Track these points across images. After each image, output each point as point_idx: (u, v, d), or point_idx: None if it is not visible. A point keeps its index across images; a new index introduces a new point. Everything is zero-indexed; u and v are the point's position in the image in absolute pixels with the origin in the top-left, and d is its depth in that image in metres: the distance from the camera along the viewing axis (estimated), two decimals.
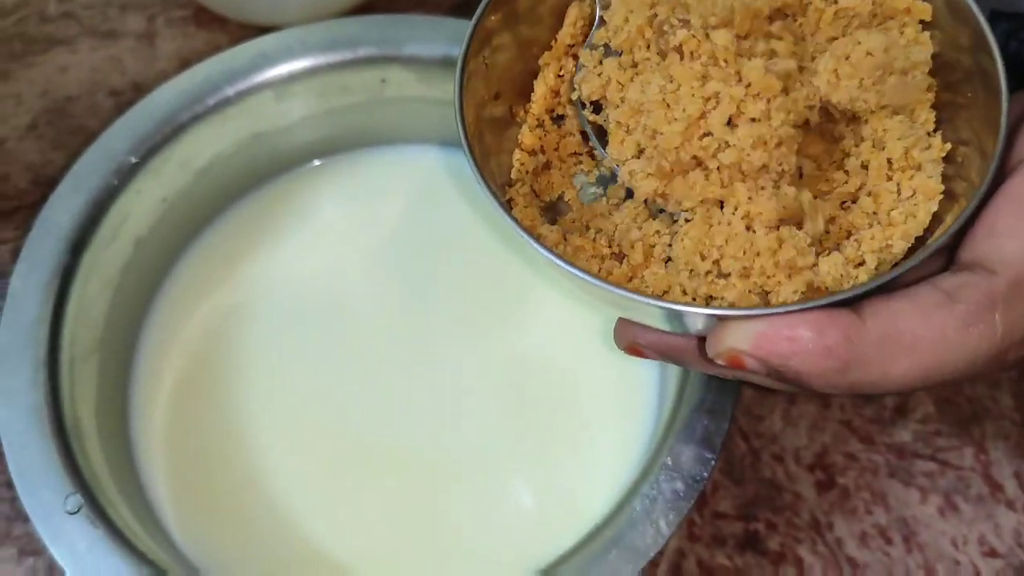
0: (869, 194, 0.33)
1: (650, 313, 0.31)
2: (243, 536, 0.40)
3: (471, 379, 0.43)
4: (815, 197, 0.32)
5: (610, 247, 0.35)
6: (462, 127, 0.33)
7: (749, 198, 0.31)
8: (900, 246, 0.31)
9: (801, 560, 0.43)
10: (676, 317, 0.30)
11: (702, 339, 0.31)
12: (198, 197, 0.44)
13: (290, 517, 0.40)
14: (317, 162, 0.47)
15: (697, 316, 0.29)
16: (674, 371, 0.39)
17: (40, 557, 0.43)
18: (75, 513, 0.34)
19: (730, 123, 0.30)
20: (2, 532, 0.43)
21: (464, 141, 0.32)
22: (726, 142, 0.30)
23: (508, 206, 0.35)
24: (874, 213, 0.33)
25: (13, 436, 0.35)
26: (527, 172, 0.37)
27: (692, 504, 0.34)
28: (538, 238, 0.32)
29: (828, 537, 0.44)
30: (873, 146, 0.33)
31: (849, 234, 0.33)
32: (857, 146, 0.34)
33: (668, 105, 0.31)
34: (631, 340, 0.33)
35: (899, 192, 0.33)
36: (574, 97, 0.36)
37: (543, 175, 0.37)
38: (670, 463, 0.35)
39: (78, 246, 0.39)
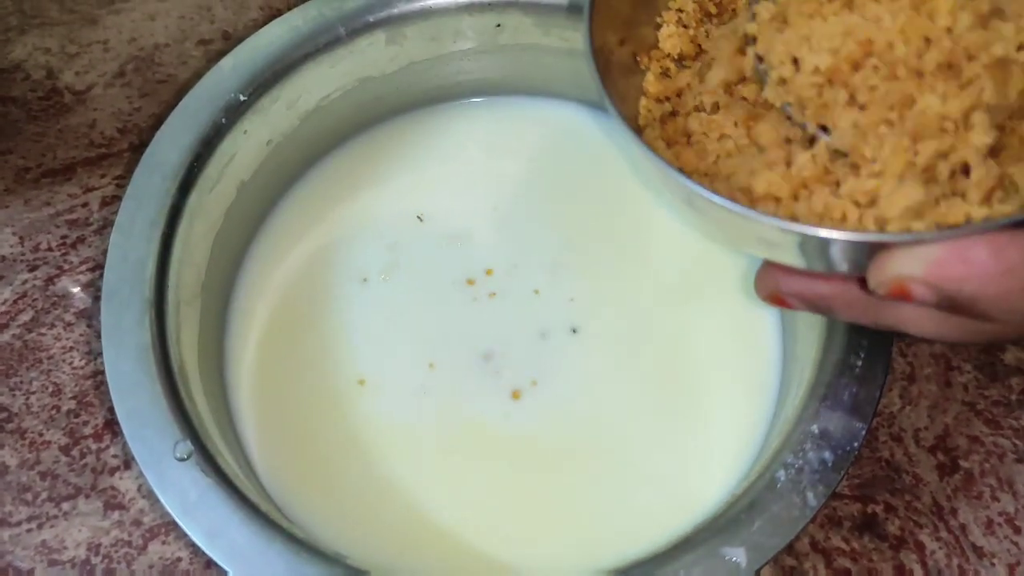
0: None
1: (806, 245, 0.28)
2: (328, 483, 0.38)
3: (586, 338, 0.41)
4: None
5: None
6: (593, 60, 0.32)
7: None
8: None
9: (923, 546, 0.41)
10: (834, 248, 0.27)
11: (854, 283, 0.28)
12: (301, 141, 0.42)
13: (379, 469, 0.38)
14: (419, 111, 0.45)
15: (857, 245, 0.26)
16: (804, 335, 0.37)
17: (126, 511, 0.42)
18: (185, 460, 0.32)
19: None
20: (88, 484, 0.42)
21: (597, 78, 0.31)
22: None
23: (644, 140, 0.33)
24: None
25: (121, 377, 0.33)
26: (655, 119, 0.35)
27: (841, 476, 0.31)
28: (678, 169, 0.29)
29: (951, 523, 0.41)
30: None
31: None
32: None
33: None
34: (773, 288, 0.31)
35: None
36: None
37: (669, 122, 0.36)
38: (816, 431, 0.32)
39: (185, 186, 0.37)
